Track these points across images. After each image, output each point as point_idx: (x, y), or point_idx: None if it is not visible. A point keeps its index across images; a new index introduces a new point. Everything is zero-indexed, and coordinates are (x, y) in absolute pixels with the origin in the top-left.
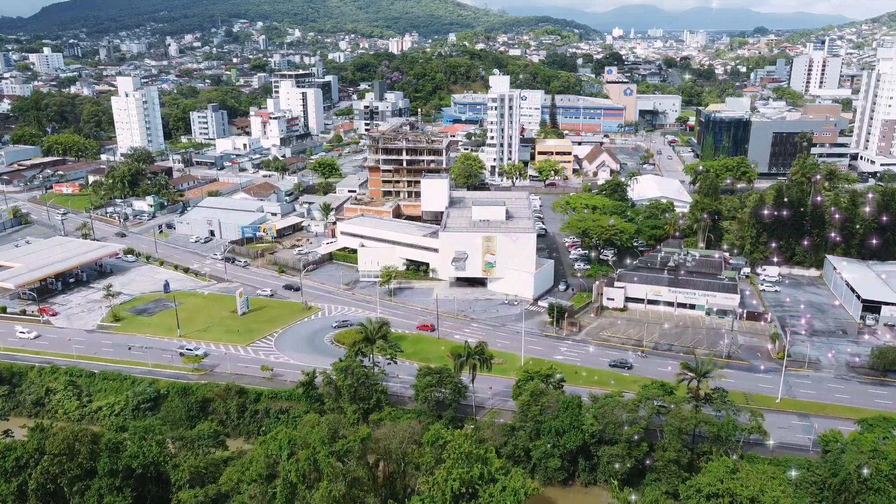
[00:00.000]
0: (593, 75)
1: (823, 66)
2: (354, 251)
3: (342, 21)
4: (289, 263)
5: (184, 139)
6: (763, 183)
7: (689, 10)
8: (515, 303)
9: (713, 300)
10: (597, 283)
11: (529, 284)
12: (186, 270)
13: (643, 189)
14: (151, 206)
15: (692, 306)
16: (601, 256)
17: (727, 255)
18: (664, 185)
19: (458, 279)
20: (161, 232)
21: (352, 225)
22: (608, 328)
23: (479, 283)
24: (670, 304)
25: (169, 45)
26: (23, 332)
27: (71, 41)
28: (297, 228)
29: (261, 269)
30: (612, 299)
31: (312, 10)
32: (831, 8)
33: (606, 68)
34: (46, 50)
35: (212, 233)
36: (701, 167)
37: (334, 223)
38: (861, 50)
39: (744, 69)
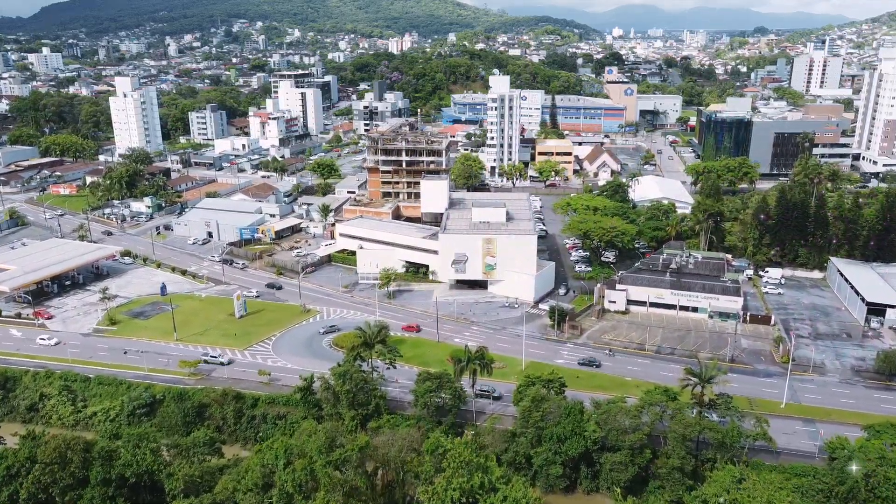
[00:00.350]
0: (593, 75)
1: (824, 65)
2: (353, 253)
3: (342, 21)
4: (287, 265)
5: (182, 139)
6: (765, 184)
7: (689, 10)
8: (516, 305)
9: (716, 303)
10: (598, 285)
11: (530, 287)
12: (184, 272)
13: (644, 190)
14: (149, 207)
15: (695, 309)
16: (602, 258)
17: (729, 256)
18: (665, 186)
19: (458, 281)
20: (159, 233)
21: (351, 226)
22: (610, 331)
23: (479, 285)
24: (672, 307)
25: (168, 45)
26: (43, 339)
27: (70, 41)
28: (295, 230)
29: (259, 271)
30: (614, 302)
31: (312, 10)
32: (831, 8)
33: (607, 68)
34: (45, 50)
35: (210, 234)
36: (703, 168)
37: (333, 224)
38: (861, 50)
39: (744, 69)
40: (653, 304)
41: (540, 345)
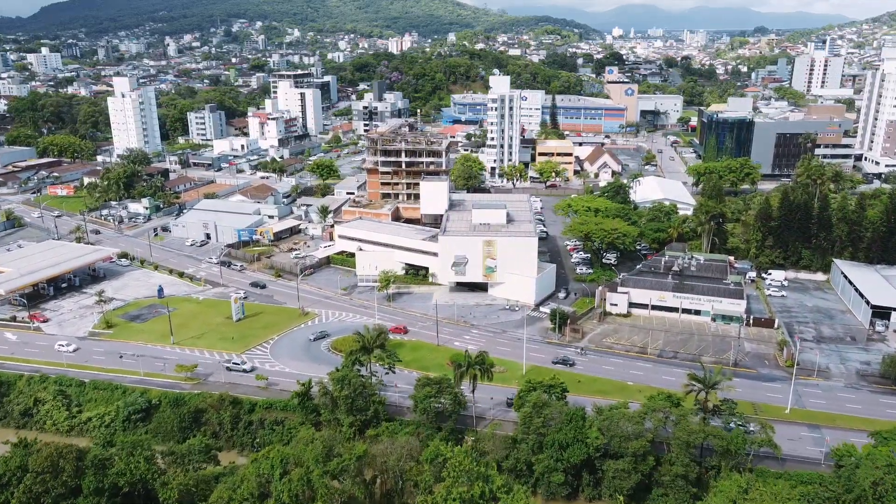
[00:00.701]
0: (594, 75)
1: (825, 65)
2: (353, 255)
3: (341, 21)
4: (286, 267)
5: (181, 140)
6: (767, 184)
7: (689, 10)
8: (517, 308)
9: (719, 306)
10: (599, 288)
11: (531, 289)
12: (181, 275)
13: (646, 191)
14: (147, 208)
15: (697, 312)
16: (604, 260)
17: (732, 258)
18: (667, 187)
19: (458, 284)
20: (156, 235)
21: (350, 228)
22: (612, 335)
23: (479, 287)
24: (675, 309)
25: (168, 45)
26: (61, 345)
27: (70, 41)
28: (294, 231)
29: (257, 273)
30: (616, 305)
31: (312, 10)
32: (830, 7)
33: (607, 68)
34: (44, 50)
35: (208, 236)
36: (705, 169)
37: (332, 226)
38: (862, 49)
39: (745, 69)
40: (655, 307)
41: (541, 348)
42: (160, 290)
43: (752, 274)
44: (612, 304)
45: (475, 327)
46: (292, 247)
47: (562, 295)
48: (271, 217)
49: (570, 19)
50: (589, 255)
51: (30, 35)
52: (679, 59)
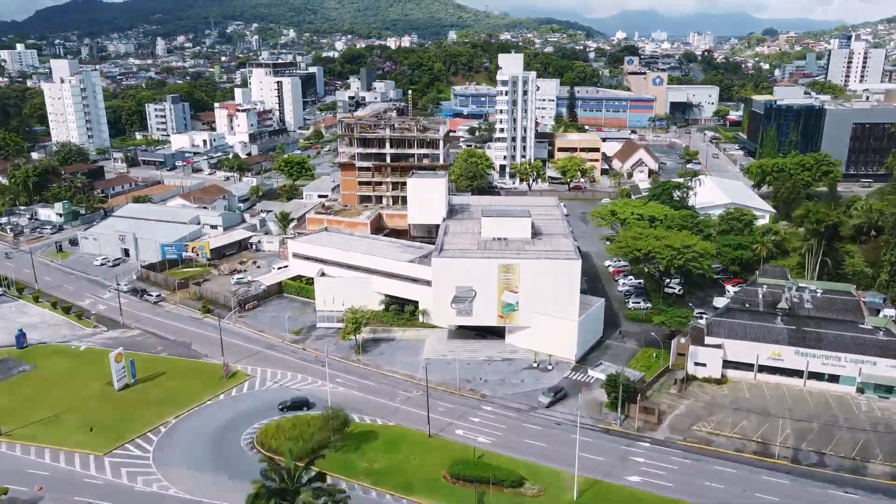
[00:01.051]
0: (607, 72)
1: (865, 58)
2: (312, 281)
3: (339, 23)
4: (219, 298)
5: (139, 136)
6: (849, 186)
7: (690, 15)
8: (550, 366)
9: (871, 369)
10: (676, 337)
11: (571, 337)
12: (68, 310)
13: (706, 194)
14: (61, 214)
15: (834, 378)
16: (667, 289)
17: (855, 288)
18: (729, 189)
19: (462, 327)
20: (59, 250)
21: (308, 244)
22: (704, 417)
23: (493, 332)
24: (797, 373)
25: (157, 44)
26: None
27: (56, 41)
28: (243, 246)
29: (177, 307)
30: (704, 364)
31: (309, 13)
32: (831, 14)
33: (626, 58)
34: (19, 46)
35: (126, 252)
36: (773, 167)
37: (290, 239)
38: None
39: (766, 66)
40: (762, 368)
41: (594, 442)
42: (20, 337)
43: (891, 311)
44: (697, 364)
45: (488, 400)
46: (237, 268)
47: (612, 342)
48: (214, 227)
49: (573, 22)
50: (642, 280)
51: (20, 37)
52: (701, 53)
